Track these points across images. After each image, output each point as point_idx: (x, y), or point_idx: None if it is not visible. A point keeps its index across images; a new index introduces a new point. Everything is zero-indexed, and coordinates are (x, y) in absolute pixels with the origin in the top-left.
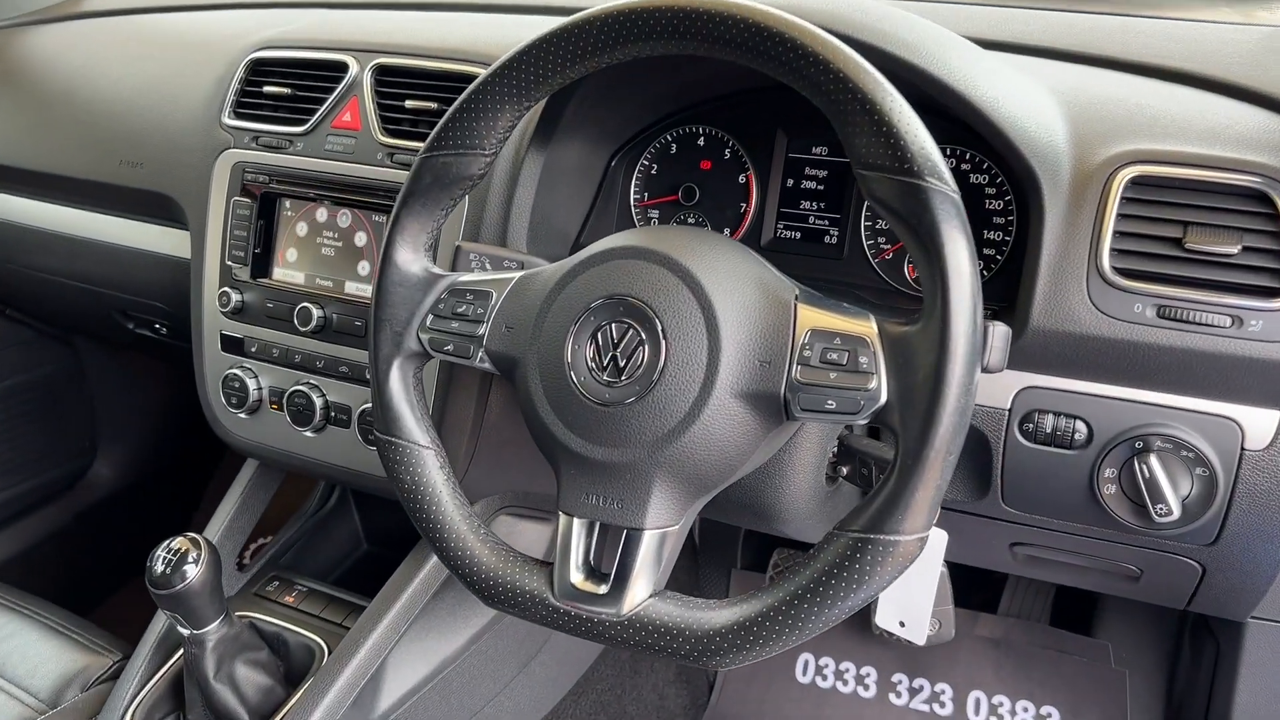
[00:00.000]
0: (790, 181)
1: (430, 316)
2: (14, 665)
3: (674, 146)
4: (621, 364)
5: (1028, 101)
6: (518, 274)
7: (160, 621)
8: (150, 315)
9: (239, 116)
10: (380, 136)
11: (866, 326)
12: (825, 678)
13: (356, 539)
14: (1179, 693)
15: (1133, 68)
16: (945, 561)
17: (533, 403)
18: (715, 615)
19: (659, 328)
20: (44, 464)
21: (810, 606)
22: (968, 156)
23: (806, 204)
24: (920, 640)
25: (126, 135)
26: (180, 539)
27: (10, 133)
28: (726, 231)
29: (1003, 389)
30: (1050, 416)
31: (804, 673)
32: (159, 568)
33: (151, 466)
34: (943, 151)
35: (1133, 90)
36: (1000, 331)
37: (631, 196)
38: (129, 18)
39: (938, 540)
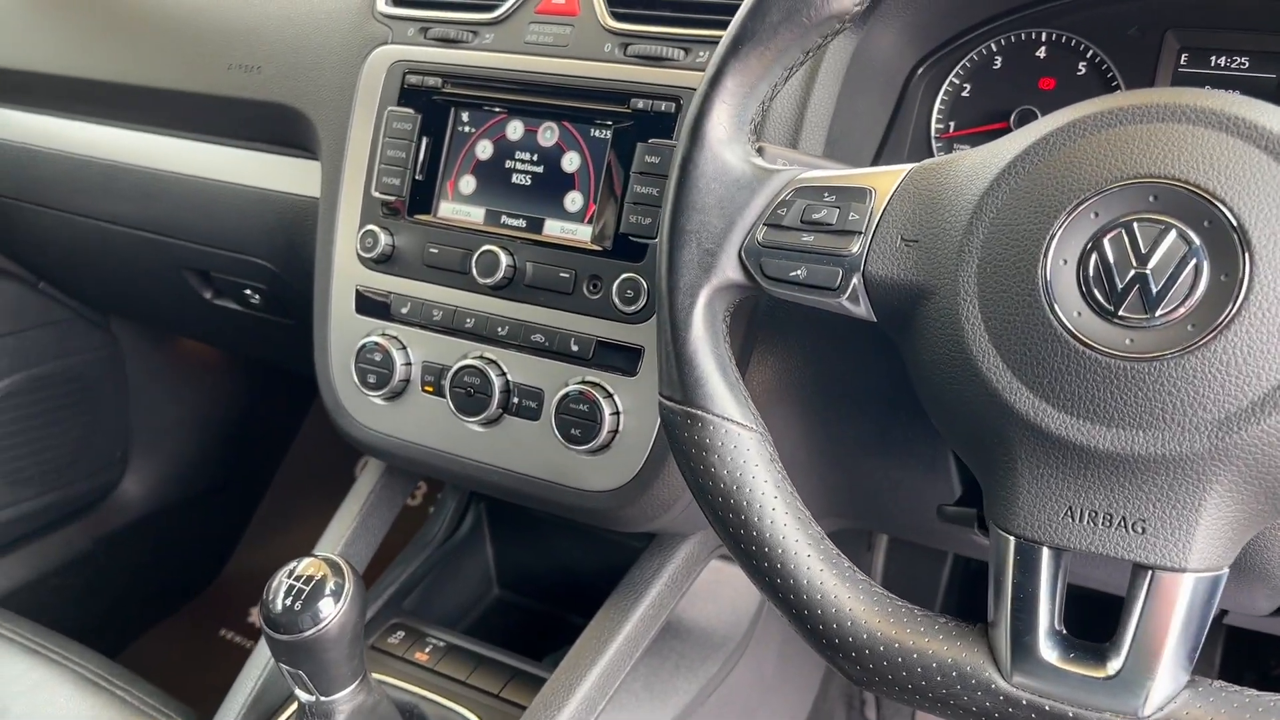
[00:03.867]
0: None
1: (764, 229)
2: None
3: (998, 60)
4: (1155, 290)
5: None
6: (909, 165)
7: (251, 679)
8: (244, 276)
9: (401, 3)
10: (607, 21)
11: None
12: None
13: (488, 581)
14: None
15: None
16: None
17: (966, 350)
18: None
19: (1235, 234)
20: (66, 476)
21: None
22: None
23: None
24: None
25: (239, 32)
26: (311, 561)
27: (80, 39)
28: None
29: None
30: None
31: None
32: (282, 601)
33: (189, 486)
34: None
35: None
36: None
37: (933, 125)
38: None
39: None
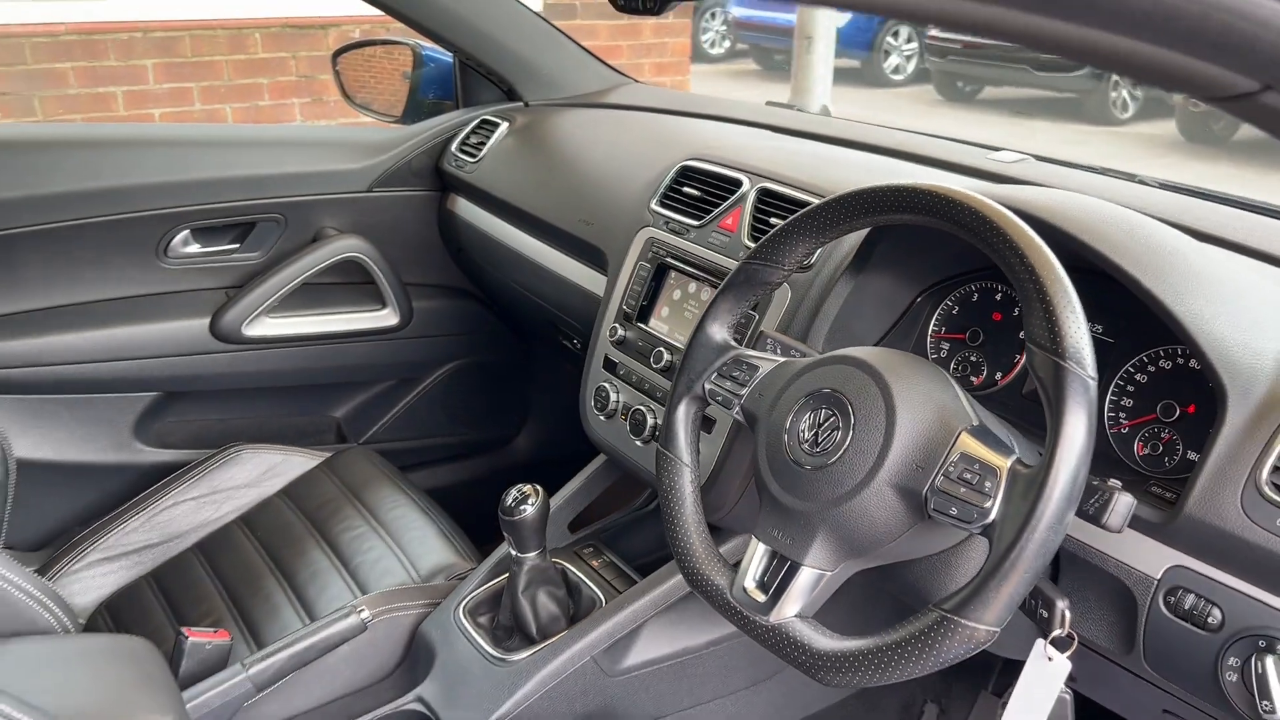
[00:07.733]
0: None
1: (715, 374)
2: (414, 545)
3: (975, 295)
4: (819, 440)
5: (1243, 318)
6: (780, 360)
7: (502, 549)
8: (570, 331)
9: (662, 205)
10: (746, 241)
11: (1002, 461)
12: None
13: (661, 540)
14: None
15: None
16: (1094, 705)
17: (758, 452)
18: (829, 644)
19: (852, 420)
20: (486, 425)
21: (894, 658)
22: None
23: None
24: None
25: (589, 200)
26: (528, 486)
27: (525, 181)
28: (998, 375)
29: (1157, 560)
30: (1191, 595)
31: None
32: (509, 500)
33: (558, 449)
34: (1161, 352)
35: None
36: (1124, 500)
37: (930, 327)
38: (623, 112)
39: (1059, 668)
